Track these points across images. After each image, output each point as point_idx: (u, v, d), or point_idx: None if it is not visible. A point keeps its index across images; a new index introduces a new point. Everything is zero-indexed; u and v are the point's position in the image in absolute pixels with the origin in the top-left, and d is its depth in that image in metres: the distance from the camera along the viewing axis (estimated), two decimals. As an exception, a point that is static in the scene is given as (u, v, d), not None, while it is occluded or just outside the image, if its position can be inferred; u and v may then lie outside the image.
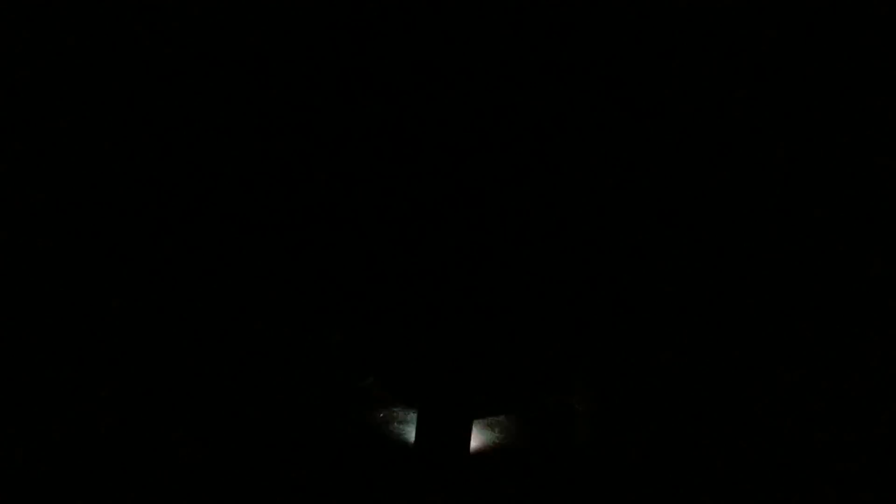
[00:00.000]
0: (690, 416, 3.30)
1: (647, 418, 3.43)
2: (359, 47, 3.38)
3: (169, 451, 2.98)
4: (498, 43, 3.25)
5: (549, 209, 3.72)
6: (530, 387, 4.14)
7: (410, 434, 3.79)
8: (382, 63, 3.43)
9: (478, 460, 3.62)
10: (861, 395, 2.68)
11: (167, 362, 3.61)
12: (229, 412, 3.51)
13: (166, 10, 3.15)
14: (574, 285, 3.84)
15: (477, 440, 3.89)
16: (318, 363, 4.04)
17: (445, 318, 3.81)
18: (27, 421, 2.83)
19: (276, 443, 3.41)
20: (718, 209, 3.35)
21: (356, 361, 4.16)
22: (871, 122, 2.72)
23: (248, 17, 3.27)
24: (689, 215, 3.44)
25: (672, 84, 3.23)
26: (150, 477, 2.75)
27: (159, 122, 3.51)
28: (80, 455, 2.74)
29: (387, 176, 3.79)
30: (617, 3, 3.03)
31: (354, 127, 3.61)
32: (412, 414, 3.91)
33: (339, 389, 4.04)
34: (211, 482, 2.88)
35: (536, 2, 3.11)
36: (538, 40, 3.20)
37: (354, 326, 4.16)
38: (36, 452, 2.61)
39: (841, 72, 2.72)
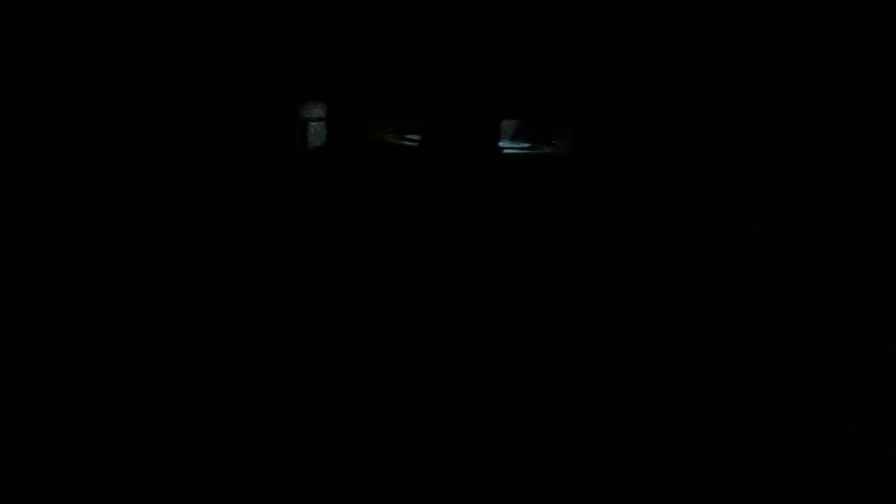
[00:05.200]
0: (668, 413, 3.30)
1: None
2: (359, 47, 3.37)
3: (167, 452, 2.98)
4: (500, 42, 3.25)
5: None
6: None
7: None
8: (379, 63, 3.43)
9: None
10: (853, 397, 2.68)
11: (164, 364, 3.60)
12: (221, 410, 3.50)
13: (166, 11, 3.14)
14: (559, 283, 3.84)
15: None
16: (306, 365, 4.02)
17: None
18: (28, 421, 2.83)
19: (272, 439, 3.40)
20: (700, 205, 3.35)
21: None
22: (871, 121, 2.73)
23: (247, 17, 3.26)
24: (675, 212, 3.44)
25: (672, 84, 3.22)
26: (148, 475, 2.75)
27: (158, 122, 3.51)
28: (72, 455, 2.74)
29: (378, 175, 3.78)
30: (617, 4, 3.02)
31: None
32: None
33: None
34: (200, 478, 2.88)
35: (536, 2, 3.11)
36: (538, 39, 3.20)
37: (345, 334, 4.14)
38: (37, 452, 2.61)
39: (840, 71, 2.72)
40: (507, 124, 5.48)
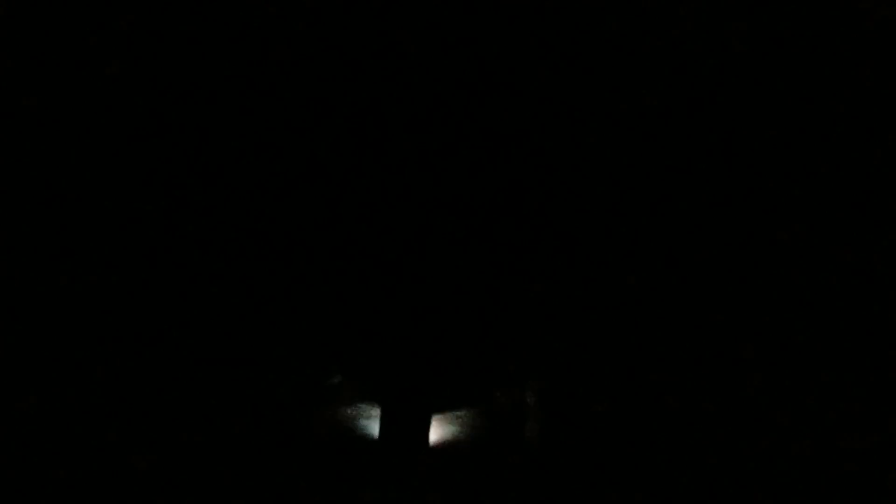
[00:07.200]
0: (640, 412, 3.30)
1: (596, 413, 3.50)
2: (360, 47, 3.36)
3: (144, 451, 2.99)
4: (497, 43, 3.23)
5: (513, 207, 3.73)
6: (486, 383, 4.36)
7: (375, 429, 3.97)
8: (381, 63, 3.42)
9: (437, 453, 3.79)
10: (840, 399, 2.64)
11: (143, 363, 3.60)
12: (200, 411, 3.54)
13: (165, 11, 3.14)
14: (529, 283, 3.89)
15: (437, 434, 4.16)
16: (288, 362, 4.13)
17: (408, 316, 4.01)
18: (29, 422, 2.81)
19: (246, 440, 3.49)
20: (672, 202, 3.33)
21: (325, 360, 4.30)
22: (871, 121, 2.71)
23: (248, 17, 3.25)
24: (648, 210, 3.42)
25: (671, 83, 3.21)
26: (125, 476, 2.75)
27: (158, 122, 3.50)
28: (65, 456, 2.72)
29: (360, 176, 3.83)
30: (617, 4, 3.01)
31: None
32: (377, 410, 4.09)
33: (309, 387, 4.19)
34: (182, 481, 2.89)
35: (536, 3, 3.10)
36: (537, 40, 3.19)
37: (323, 326, 4.28)
38: (36, 453, 2.60)
39: (840, 71, 2.70)
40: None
